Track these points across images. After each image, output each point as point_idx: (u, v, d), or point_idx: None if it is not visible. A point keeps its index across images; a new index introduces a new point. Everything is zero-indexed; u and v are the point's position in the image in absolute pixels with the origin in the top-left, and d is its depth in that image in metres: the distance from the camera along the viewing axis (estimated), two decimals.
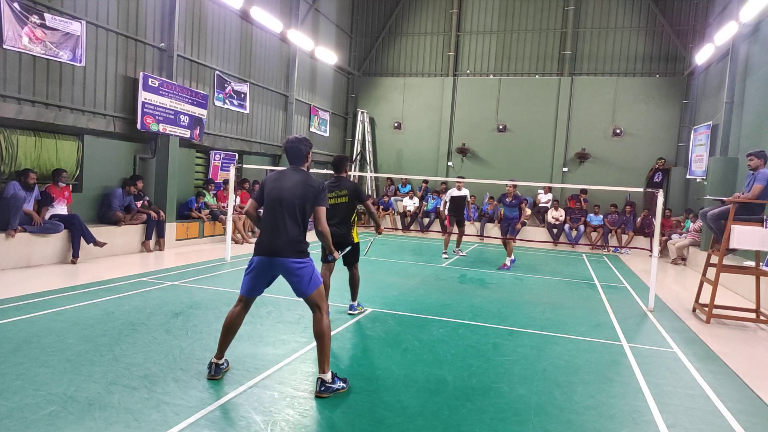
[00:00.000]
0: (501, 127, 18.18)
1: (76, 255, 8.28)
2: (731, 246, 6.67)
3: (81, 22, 8.75)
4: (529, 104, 17.89)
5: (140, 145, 10.66)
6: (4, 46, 7.63)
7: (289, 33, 14.71)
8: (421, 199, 17.09)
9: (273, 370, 4.19)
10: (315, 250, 4.73)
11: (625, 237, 15.01)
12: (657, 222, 7.61)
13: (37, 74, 8.22)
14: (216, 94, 12.45)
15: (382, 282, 8.22)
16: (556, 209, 15.97)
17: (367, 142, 19.09)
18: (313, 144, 16.78)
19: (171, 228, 10.69)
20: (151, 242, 10.05)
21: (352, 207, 5.85)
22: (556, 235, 15.55)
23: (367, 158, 19.05)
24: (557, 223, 15.73)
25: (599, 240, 15.22)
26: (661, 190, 7.64)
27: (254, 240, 12.15)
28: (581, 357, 5.02)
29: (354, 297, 6.14)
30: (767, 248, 6.57)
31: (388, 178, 18.59)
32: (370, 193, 19.06)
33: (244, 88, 13.46)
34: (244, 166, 13.16)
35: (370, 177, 19.06)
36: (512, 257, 10.58)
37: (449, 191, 11.95)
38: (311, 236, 4.32)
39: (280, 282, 3.96)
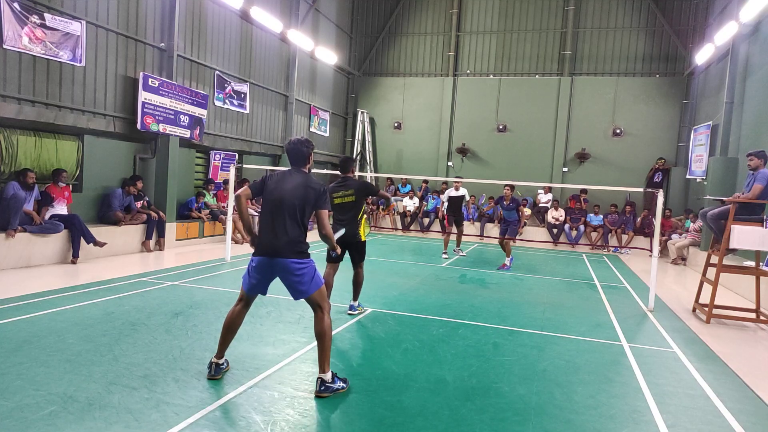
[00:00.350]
0: (501, 127, 18.19)
1: (76, 255, 8.28)
2: (731, 246, 6.67)
3: (81, 22, 8.75)
4: (529, 104, 17.89)
5: (140, 145, 10.66)
6: (4, 46, 7.63)
7: (289, 33, 14.71)
8: (421, 199, 17.09)
9: (273, 370, 4.19)
10: (316, 249, 4.74)
11: (625, 237, 15.01)
12: (657, 222, 7.61)
13: (37, 74, 8.22)
14: (216, 94, 12.45)
15: (382, 282, 8.22)
16: (556, 209, 15.97)
17: (367, 142, 19.09)
18: (314, 144, 16.76)
19: (171, 228, 10.68)
20: (151, 242, 10.05)
21: (359, 205, 5.91)
22: (556, 235, 15.55)
23: (367, 158, 19.05)
24: (557, 223, 15.73)
25: (599, 240, 15.22)
26: (661, 190, 7.64)
27: None
28: (581, 357, 5.02)
29: (355, 297, 6.14)
30: (767, 248, 6.57)
31: (388, 178, 18.59)
32: None
33: (244, 88, 13.46)
34: (244, 166, 13.17)
35: (370, 177, 19.03)
36: (511, 257, 10.58)
37: (447, 191, 11.95)
38: (312, 236, 4.32)
39: (277, 283, 3.96)
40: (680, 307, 7.63)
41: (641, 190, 11.59)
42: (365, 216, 6.12)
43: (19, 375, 3.76)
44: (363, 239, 6.02)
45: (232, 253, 9.67)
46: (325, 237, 3.96)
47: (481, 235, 15.56)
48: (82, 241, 8.36)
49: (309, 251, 3.87)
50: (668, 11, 16.72)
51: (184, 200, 11.68)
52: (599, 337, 5.78)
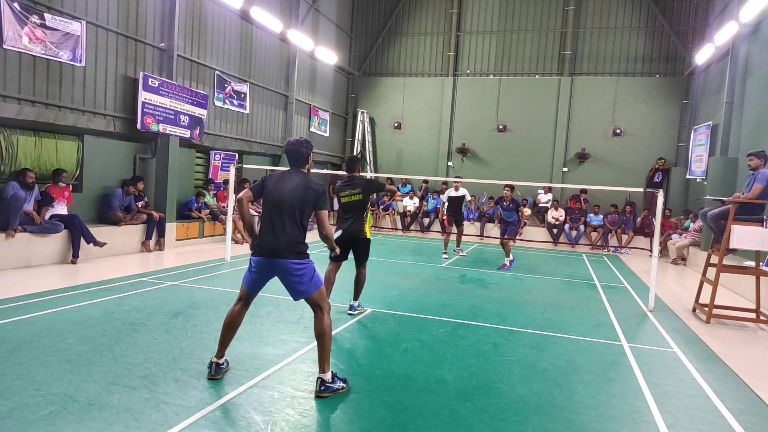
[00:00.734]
0: (501, 127, 18.19)
1: (76, 255, 8.29)
2: (731, 246, 6.67)
3: (81, 22, 8.75)
4: (529, 104, 17.89)
5: (140, 145, 10.66)
6: (4, 46, 7.63)
7: (289, 33, 14.71)
8: (421, 199, 17.08)
9: (273, 370, 4.19)
10: (315, 249, 4.74)
11: (625, 237, 15.01)
12: (657, 222, 7.61)
13: (37, 74, 8.22)
14: (216, 94, 12.45)
15: (382, 282, 8.22)
16: (556, 209, 15.97)
17: (367, 142, 19.08)
18: (313, 144, 16.77)
19: (171, 228, 10.68)
20: (151, 242, 10.05)
21: (366, 203, 5.97)
22: (556, 235, 15.55)
23: (367, 158, 19.05)
24: (557, 223, 15.73)
25: (599, 240, 15.22)
26: (661, 190, 7.64)
27: None
28: (581, 357, 5.02)
29: (356, 297, 6.15)
30: (767, 248, 6.57)
31: (388, 178, 18.58)
32: None
33: (244, 88, 13.46)
34: (244, 166, 13.16)
35: (370, 177, 19.03)
36: (511, 257, 10.58)
37: (447, 191, 11.95)
38: (312, 236, 4.32)
39: (277, 283, 3.96)
40: (680, 307, 7.63)
41: (641, 190, 11.59)
42: (369, 214, 6.16)
43: (19, 375, 3.76)
44: (368, 237, 6.05)
45: (232, 253, 9.67)
46: (325, 237, 3.96)
47: (481, 235, 15.56)
48: (82, 241, 8.36)
49: (308, 252, 3.87)
50: (668, 11, 16.72)
51: (184, 200, 11.69)
52: (599, 337, 5.78)
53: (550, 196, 16.71)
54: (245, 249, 10.81)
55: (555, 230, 15.67)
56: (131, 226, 9.70)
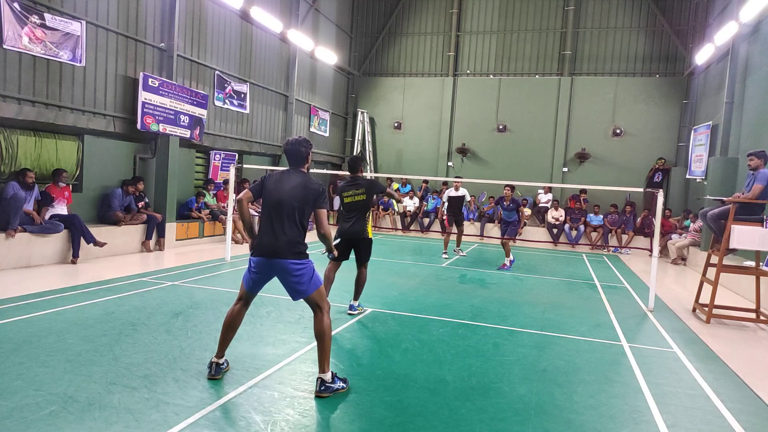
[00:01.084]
0: (501, 127, 18.19)
1: (76, 255, 8.29)
2: (731, 246, 6.67)
3: (81, 22, 8.75)
4: (529, 104, 17.89)
5: (140, 145, 10.66)
6: (4, 46, 7.63)
7: (289, 33, 14.71)
8: (421, 199, 17.09)
9: (273, 370, 4.19)
10: (315, 250, 4.74)
11: (625, 237, 15.01)
12: (657, 222, 7.61)
13: (37, 74, 8.22)
14: (216, 94, 12.45)
15: (382, 282, 8.22)
16: (556, 209, 15.97)
17: (367, 142, 19.08)
18: (313, 144, 16.73)
19: (171, 228, 10.69)
20: (151, 242, 10.05)
21: (369, 203, 6.01)
22: (556, 235, 15.55)
23: (367, 158, 19.05)
24: (557, 223, 15.73)
25: (599, 240, 15.23)
26: (661, 190, 7.64)
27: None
28: (581, 357, 5.02)
29: (356, 297, 6.15)
30: (767, 248, 6.56)
31: (388, 178, 18.59)
32: None
33: (244, 88, 13.46)
34: (244, 166, 13.15)
35: (370, 177, 19.02)
36: (511, 257, 10.57)
37: (447, 191, 11.95)
38: (311, 236, 4.32)
39: (277, 283, 3.96)
40: (680, 307, 7.63)
41: (641, 190, 11.58)
42: (370, 213, 6.18)
43: (19, 375, 3.76)
44: (370, 236, 6.07)
45: (232, 253, 9.67)
46: (323, 237, 3.94)
47: (481, 235, 15.56)
48: (82, 241, 8.36)
49: (308, 252, 3.87)
50: (668, 11, 16.72)
51: (184, 200, 11.69)
52: (599, 337, 5.78)
53: (550, 196, 16.72)
54: (245, 249, 10.81)
55: (555, 230, 15.67)
56: (131, 226, 9.70)
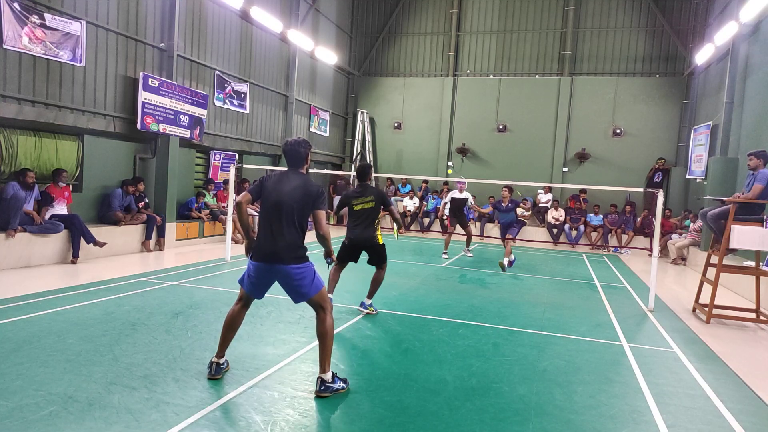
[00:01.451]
0: (501, 127, 18.19)
1: (76, 255, 8.29)
2: (731, 246, 6.67)
3: (81, 22, 8.75)
4: (529, 104, 17.89)
5: (140, 145, 10.66)
6: (4, 46, 7.63)
7: (289, 33, 14.71)
8: (421, 199, 17.09)
9: (273, 370, 4.19)
10: (316, 250, 4.74)
11: (625, 237, 15.01)
12: (657, 222, 7.61)
13: (37, 74, 8.22)
14: (216, 94, 12.45)
15: (383, 282, 8.20)
16: (556, 209, 15.97)
17: (367, 142, 19.09)
18: (313, 144, 16.55)
19: (171, 228, 10.69)
20: (151, 242, 10.05)
21: (377, 211, 6.06)
22: (556, 235, 15.55)
23: (367, 158, 19.04)
24: (557, 223, 15.73)
25: (599, 240, 15.23)
26: (661, 190, 7.64)
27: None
28: (581, 357, 5.02)
29: (370, 295, 6.19)
30: (767, 248, 6.56)
31: (388, 178, 18.59)
32: None
33: (244, 88, 13.46)
34: (244, 166, 13.16)
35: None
36: (512, 257, 10.52)
37: (450, 192, 11.95)
38: (310, 236, 4.31)
39: (277, 283, 3.96)
40: (680, 307, 7.63)
41: (641, 190, 11.59)
42: (379, 222, 6.18)
43: (19, 375, 3.76)
44: (381, 242, 6.13)
45: (232, 253, 9.67)
46: (322, 238, 3.88)
47: (482, 235, 15.55)
48: (82, 241, 8.36)
49: (307, 254, 3.85)
50: (668, 11, 16.72)
51: (184, 200, 11.68)
52: (599, 337, 5.78)
53: (550, 196, 16.72)
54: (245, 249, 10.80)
55: (555, 230, 15.67)
56: (131, 226, 9.70)
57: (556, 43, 17.78)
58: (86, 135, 9.45)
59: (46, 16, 8.19)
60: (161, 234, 10.22)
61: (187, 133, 11.15)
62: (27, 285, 6.55)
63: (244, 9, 12.72)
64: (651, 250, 7.96)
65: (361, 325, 5.68)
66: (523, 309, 7.01)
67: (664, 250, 13.72)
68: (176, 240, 10.86)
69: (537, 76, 17.96)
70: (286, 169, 3.99)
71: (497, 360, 4.79)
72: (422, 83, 19.08)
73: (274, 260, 3.71)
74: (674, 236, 13.76)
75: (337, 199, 17.36)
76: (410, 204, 16.94)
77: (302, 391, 3.80)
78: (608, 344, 5.54)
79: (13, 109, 7.85)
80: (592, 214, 15.68)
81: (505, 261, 10.33)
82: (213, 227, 11.96)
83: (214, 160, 12.99)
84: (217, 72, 12.38)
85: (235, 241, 11.39)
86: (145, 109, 9.98)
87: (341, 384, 3.81)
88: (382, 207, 6.13)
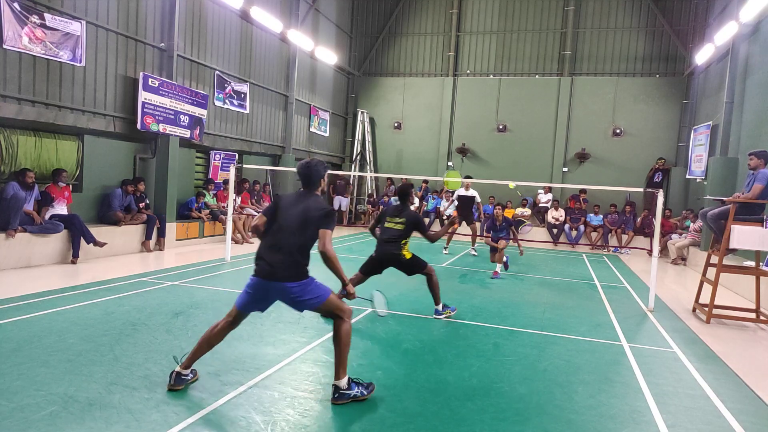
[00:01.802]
0: (501, 127, 18.19)
1: (76, 255, 8.28)
2: (731, 246, 6.67)
3: (81, 22, 8.75)
4: (529, 104, 17.90)
5: (140, 145, 10.67)
6: (4, 46, 7.63)
7: (289, 33, 14.71)
8: (421, 199, 17.08)
9: (273, 370, 4.19)
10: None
11: (625, 237, 15.01)
12: (657, 222, 7.61)
13: (37, 74, 8.22)
14: (216, 94, 12.45)
15: (382, 282, 8.19)
16: (556, 209, 15.97)
17: (367, 142, 19.09)
18: (313, 144, 16.55)
19: (171, 228, 10.69)
20: (151, 242, 10.05)
21: (406, 234, 6.08)
22: (556, 235, 15.55)
23: (367, 158, 19.05)
24: (557, 223, 15.73)
25: (599, 240, 15.23)
26: (661, 190, 7.63)
27: (254, 240, 12.18)
28: (581, 357, 5.02)
29: (436, 301, 6.23)
30: (767, 248, 6.57)
31: (388, 178, 18.59)
32: (370, 192, 19.08)
33: (244, 88, 13.46)
34: (244, 166, 13.16)
35: (370, 177, 19.06)
36: (504, 258, 10.19)
37: (457, 190, 11.97)
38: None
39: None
40: (680, 307, 7.63)
41: (641, 190, 11.59)
42: (407, 242, 6.18)
43: (19, 375, 3.76)
44: (408, 257, 6.11)
45: (232, 253, 9.66)
46: (325, 257, 3.58)
47: (482, 235, 15.51)
48: (82, 241, 8.36)
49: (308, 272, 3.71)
50: (668, 11, 16.72)
51: (184, 200, 11.68)
52: (599, 337, 5.78)
53: (550, 196, 16.72)
54: (245, 249, 10.81)
55: (555, 230, 15.67)
56: (131, 226, 9.70)
57: (556, 43, 17.78)
58: (86, 135, 9.45)
59: (46, 16, 8.19)
60: (161, 234, 10.22)
61: (187, 133, 11.15)
62: (27, 285, 6.55)
63: (244, 9, 12.72)
64: (651, 250, 7.96)
65: (361, 325, 5.68)
66: (524, 309, 7.01)
67: (664, 250, 13.72)
68: (176, 240, 10.86)
69: (537, 76, 17.96)
70: (300, 190, 3.88)
71: (497, 360, 4.79)
72: (422, 83, 19.08)
73: (271, 277, 3.57)
74: (674, 236, 13.76)
75: (337, 200, 17.38)
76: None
77: (302, 391, 3.80)
78: (608, 344, 5.54)
79: (13, 109, 7.86)
80: (592, 214, 15.68)
81: (498, 269, 10.00)
82: (213, 227, 11.96)
83: (214, 160, 12.99)
84: (217, 72, 12.38)
85: (235, 241, 11.40)
86: (145, 109, 9.98)
87: (359, 390, 3.68)
88: (416, 231, 6.11)
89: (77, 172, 9.38)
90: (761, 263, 7.21)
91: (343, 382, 3.66)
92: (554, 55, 17.82)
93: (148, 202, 10.39)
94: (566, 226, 15.60)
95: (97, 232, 8.74)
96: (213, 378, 3.93)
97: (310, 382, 3.95)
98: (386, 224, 6.08)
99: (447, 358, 4.73)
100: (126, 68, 9.87)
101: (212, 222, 11.91)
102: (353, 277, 6.02)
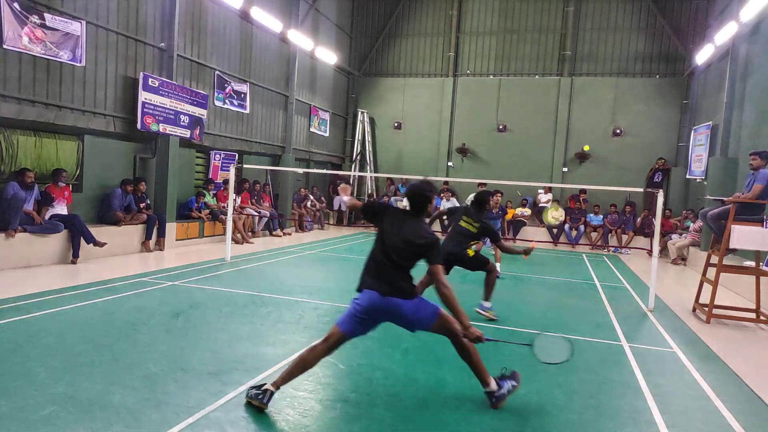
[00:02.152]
0: (501, 127, 18.19)
1: (76, 255, 8.28)
2: (731, 246, 6.67)
3: (81, 22, 8.75)
4: (529, 104, 17.89)
5: (140, 145, 10.66)
6: (4, 46, 7.63)
7: (289, 33, 14.71)
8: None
9: (273, 370, 4.18)
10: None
11: (625, 237, 15.01)
12: (657, 222, 7.61)
13: (37, 74, 8.22)
14: (216, 94, 12.45)
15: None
16: (557, 209, 15.97)
17: (367, 142, 19.09)
18: (313, 144, 16.55)
19: (171, 228, 10.68)
20: (151, 242, 10.04)
21: (476, 238, 6.25)
22: (556, 236, 15.55)
23: (367, 158, 19.05)
24: (557, 223, 15.73)
25: (599, 240, 15.23)
26: (661, 190, 7.63)
27: (254, 240, 12.18)
28: (581, 357, 5.01)
29: (486, 297, 6.36)
30: (767, 248, 6.56)
31: (388, 178, 18.60)
32: (370, 192, 19.07)
33: (244, 88, 13.46)
34: (244, 166, 13.16)
35: (370, 177, 19.06)
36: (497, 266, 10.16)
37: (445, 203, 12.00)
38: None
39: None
40: (680, 307, 7.62)
41: (641, 190, 11.58)
42: (474, 245, 6.34)
43: (19, 375, 3.76)
44: (470, 254, 6.29)
45: (232, 253, 9.66)
46: (444, 297, 3.44)
47: None
48: (82, 241, 8.36)
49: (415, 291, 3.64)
50: (668, 11, 16.72)
51: (184, 200, 11.68)
52: (599, 337, 5.77)
53: (550, 196, 16.71)
54: (245, 249, 10.81)
55: (555, 230, 15.67)
56: (131, 226, 9.70)
57: (556, 44, 17.78)
58: (86, 135, 9.44)
59: (46, 16, 8.19)
60: (161, 234, 10.22)
61: (187, 133, 11.15)
62: (27, 285, 6.54)
63: (244, 9, 12.72)
64: (651, 250, 7.95)
65: None
66: (523, 309, 7.00)
67: (664, 250, 13.72)
68: (176, 240, 10.85)
69: (537, 77, 17.96)
70: (405, 210, 3.68)
71: (497, 360, 4.78)
72: (422, 83, 19.08)
73: (384, 294, 3.47)
74: (674, 236, 13.77)
75: (337, 200, 17.35)
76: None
77: (302, 391, 3.80)
78: (608, 344, 5.53)
79: (13, 109, 7.86)
80: (592, 214, 15.68)
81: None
82: (213, 227, 11.96)
83: (214, 160, 12.99)
84: (217, 72, 12.38)
85: (235, 241, 11.39)
86: (145, 109, 9.98)
87: (510, 384, 3.70)
88: (489, 239, 6.24)
89: (77, 172, 9.38)
90: (761, 263, 7.21)
91: (493, 386, 3.66)
92: (554, 55, 17.81)
93: (148, 202, 10.39)
94: (566, 226, 15.60)
95: (97, 232, 8.74)
96: (213, 378, 3.93)
97: (310, 382, 3.95)
98: (461, 222, 6.25)
99: (446, 358, 4.72)
100: (126, 68, 9.87)
101: (212, 222, 11.91)
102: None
